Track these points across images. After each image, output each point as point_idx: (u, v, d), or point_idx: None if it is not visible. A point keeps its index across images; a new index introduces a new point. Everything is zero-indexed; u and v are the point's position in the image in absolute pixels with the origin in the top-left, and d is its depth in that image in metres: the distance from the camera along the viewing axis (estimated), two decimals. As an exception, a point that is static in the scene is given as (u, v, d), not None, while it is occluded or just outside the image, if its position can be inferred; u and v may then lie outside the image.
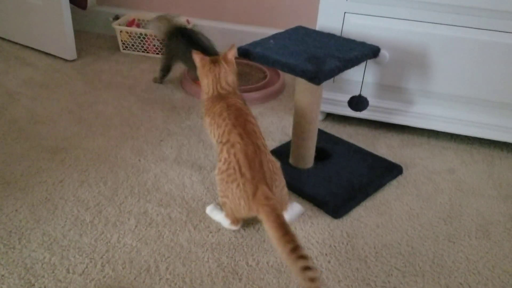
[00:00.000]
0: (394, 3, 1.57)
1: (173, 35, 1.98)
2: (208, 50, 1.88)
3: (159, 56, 2.40)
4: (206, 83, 1.39)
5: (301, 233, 1.30)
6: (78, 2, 2.25)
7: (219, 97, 1.36)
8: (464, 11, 1.52)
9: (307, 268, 0.97)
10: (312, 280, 0.96)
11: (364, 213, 1.38)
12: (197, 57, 1.41)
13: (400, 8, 1.57)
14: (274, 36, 1.53)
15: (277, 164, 1.25)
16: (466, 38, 1.55)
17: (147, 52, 2.41)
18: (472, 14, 1.52)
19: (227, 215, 1.27)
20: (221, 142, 1.25)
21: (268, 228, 1.09)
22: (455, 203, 1.44)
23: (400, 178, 1.54)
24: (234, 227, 1.28)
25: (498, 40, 1.53)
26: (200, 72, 1.41)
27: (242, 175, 1.18)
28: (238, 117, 1.27)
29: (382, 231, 1.31)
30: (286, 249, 1.01)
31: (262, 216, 1.12)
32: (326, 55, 1.37)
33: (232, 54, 1.40)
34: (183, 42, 1.93)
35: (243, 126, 1.25)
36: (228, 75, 1.37)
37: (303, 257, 0.98)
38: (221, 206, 1.29)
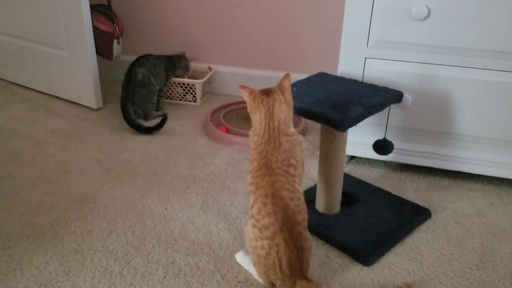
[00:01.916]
0: (415, 48, 1.59)
1: None
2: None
3: (182, 102, 2.45)
4: (258, 118, 1.21)
5: (332, 282, 1.28)
6: (104, 53, 2.32)
7: (267, 147, 1.19)
8: (487, 54, 1.53)
9: None
10: None
11: (394, 260, 1.36)
12: (244, 91, 1.24)
13: (421, 53, 1.59)
14: (296, 84, 1.55)
15: (311, 241, 1.20)
16: (490, 81, 1.56)
17: (171, 99, 2.46)
18: (495, 57, 1.52)
19: (259, 276, 1.25)
20: (260, 229, 1.14)
21: None
22: (486, 248, 1.41)
23: (429, 222, 1.52)
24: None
25: (521, 82, 1.53)
26: (250, 106, 1.24)
27: (282, 271, 1.15)
28: (285, 220, 1.13)
29: (414, 279, 1.29)
30: None
31: None
32: (350, 102, 1.38)
33: (287, 83, 1.23)
34: None
35: (290, 230, 1.13)
36: (282, 109, 1.20)
37: None
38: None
